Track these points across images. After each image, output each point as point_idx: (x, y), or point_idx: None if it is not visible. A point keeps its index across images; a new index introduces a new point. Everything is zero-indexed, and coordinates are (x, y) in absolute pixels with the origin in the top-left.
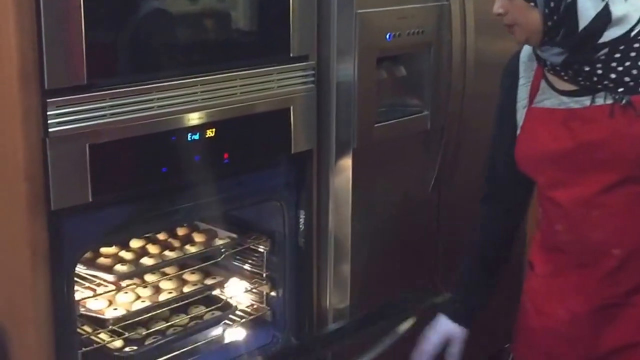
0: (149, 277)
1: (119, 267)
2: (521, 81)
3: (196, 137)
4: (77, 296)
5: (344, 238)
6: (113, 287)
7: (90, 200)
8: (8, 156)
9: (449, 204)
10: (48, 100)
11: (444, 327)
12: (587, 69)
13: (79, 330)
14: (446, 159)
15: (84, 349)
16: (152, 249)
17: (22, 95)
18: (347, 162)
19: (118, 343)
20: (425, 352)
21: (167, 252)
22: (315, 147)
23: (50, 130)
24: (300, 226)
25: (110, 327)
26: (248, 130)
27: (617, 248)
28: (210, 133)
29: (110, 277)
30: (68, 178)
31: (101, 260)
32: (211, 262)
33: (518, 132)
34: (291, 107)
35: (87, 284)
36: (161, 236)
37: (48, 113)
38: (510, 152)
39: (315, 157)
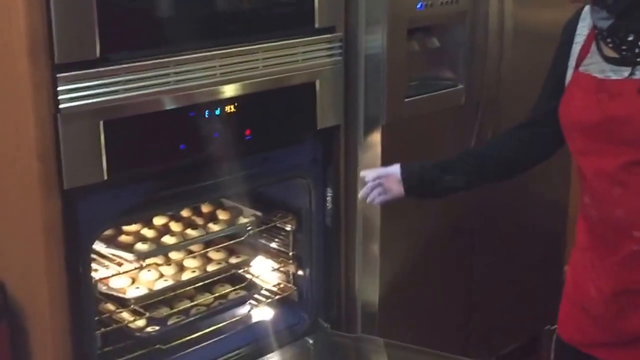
0: (173, 255)
1: (140, 246)
2: (576, 39)
3: (216, 112)
4: (98, 274)
5: (373, 217)
6: (135, 265)
7: (105, 178)
8: (19, 133)
9: None
10: (58, 75)
11: (391, 170)
12: (630, 38)
13: (99, 309)
14: (482, 136)
15: (103, 329)
16: (175, 226)
17: (31, 70)
18: (375, 139)
19: (140, 322)
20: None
21: (189, 231)
22: (343, 123)
23: (61, 106)
24: (328, 204)
25: (131, 306)
26: (271, 106)
27: (639, 230)
28: (230, 109)
29: (129, 256)
30: (82, 156)
31: (122, 238)
32: (236, 240)
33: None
34: (317, 82)
35: (107, 262)
36: (185, 213)
37: (58, 88)
38: (551, 104)
39: (343, 133)
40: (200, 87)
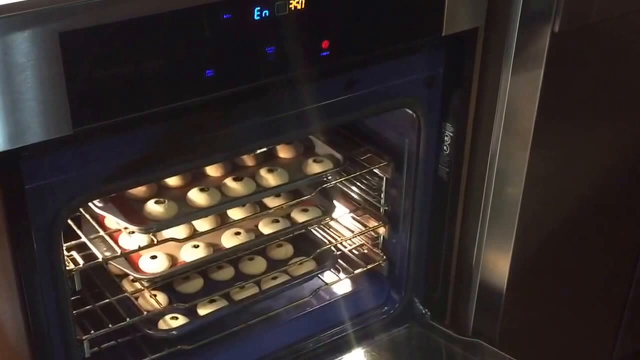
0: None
1: (151, 207)
2: None
3: (270, 13)
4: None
5: (515, 171)
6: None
7: (72, 132)
8: None
9: None
10: None
11: None
12: None
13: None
14: None
15: (92, 332)
16: (212, 170)
17: None
18: (538, 53)
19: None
20: None
21: (229, 182)
22: (484, 24)
23: None
24: (445, 147)
25: (142, 288)
26: (365, 3)
27: None
28: (296, 5)
29: (132, 228)
30: (27, 94)
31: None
32: (306, 197)
33: None
34: None
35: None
36: None
37: None
38: None
39: (481, 42)
40: None
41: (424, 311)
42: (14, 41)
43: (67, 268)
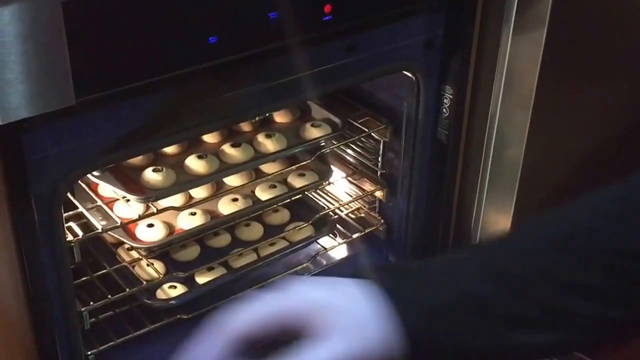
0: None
1: (149, 175)
2: None
3: None
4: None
5: (515, 132)
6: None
7: (74, 103)
8: None
9: None
10: None
11: None
12: None
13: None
14: None
15: (92, 303)
16: (208, 137)
17: None
18: (540, 13)
19: (153, 274)
20: None
21: (227, 148)
22: None
23: None
24: (444, 110)
25: (138, 256)
26: None
27: None
28: None
29: (132, 198)
30: (27, 65)
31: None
32: (302, 163)
33: None
34: None
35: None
36: None
37: None
38: None
39: (482, 2)
40: None
41: None
42: (16, 11)
43: (67, 239)
